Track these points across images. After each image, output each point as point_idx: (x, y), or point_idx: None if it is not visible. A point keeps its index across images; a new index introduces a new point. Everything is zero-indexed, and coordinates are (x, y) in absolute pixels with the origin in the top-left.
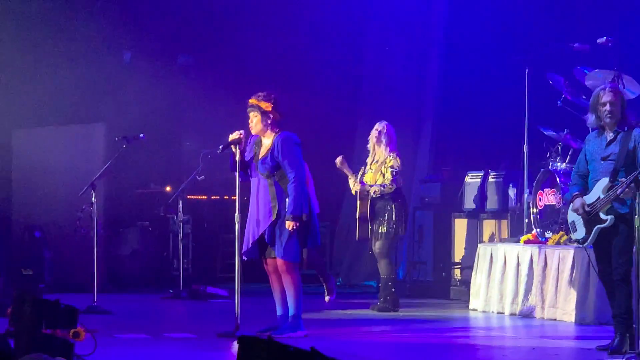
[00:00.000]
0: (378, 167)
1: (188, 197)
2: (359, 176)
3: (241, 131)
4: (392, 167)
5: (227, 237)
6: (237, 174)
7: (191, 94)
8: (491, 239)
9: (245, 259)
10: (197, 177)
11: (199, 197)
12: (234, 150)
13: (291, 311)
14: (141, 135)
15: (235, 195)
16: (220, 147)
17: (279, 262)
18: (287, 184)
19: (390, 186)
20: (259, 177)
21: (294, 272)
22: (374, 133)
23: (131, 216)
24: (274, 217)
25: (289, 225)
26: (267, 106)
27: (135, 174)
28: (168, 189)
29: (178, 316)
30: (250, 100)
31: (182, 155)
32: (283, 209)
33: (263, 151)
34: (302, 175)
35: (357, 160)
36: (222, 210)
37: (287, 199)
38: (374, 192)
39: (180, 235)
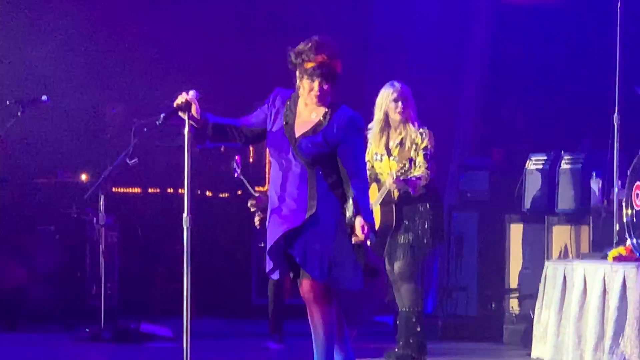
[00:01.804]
0: (406, 152)
1: (114, 189)
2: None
3: (191, 92)
4: (425, 148)
5: (171, 249)
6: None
7: (116, 38)
8: (565, 255)
9: (275, 277)
10: (127, 160)
11: (130, 189)
12: (183, 117)
13: None
14: (44, 97)
15: (183, 188)
16: (162, 115)
17: (308, 284)
18: (335, 182)
19: (427, 177)
20: (292, 160)
21: (327, 304)
22: (393, 106)
23: (28, 218)
24: (307, 214)
25: (360, 234)
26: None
27: (36, 155)
28: (84, 177)
29: None
30: (321, 58)
31: (105, 129)
32: (324, 211)
33: (306, 125)
34: (366, 175)
35: None
36: (163, 210)
37: (329, 204)
38: (416, 189)
39: (102, 246)
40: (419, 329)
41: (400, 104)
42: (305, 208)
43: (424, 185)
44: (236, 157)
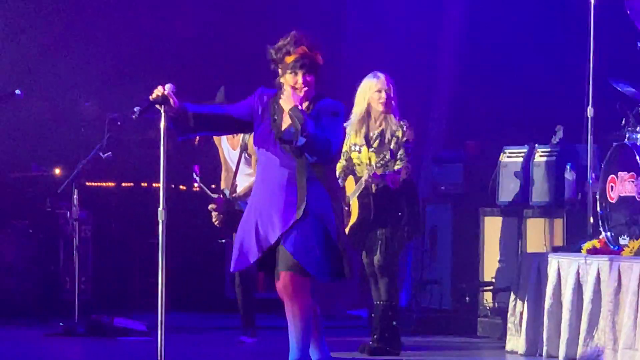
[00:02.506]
0: (386, 144)
1: (87, 183)
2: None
3: (167, 85)
4: (407, 142)
5: (145, 243)
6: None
7: (90, 32)
8: (539, 248)
9: (236, 270)
10: (101, 154)
11: (104, 183)
12: (160, 110)
13: (295, 355)
14: (17, 91)
15: (158, 182)
16: (137, 109)
17: (288, 277)
18: (323, 172)
19: (408, 171)
20: (279, 153)
21: (306, 298)
22: (376, 97)
23: (1, 212)
24: (298, 214)
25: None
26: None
27: (9, 149)
28: (57, 172)
29: None
30: (302, 50)
31: (79, 122)
32: (314, 211)
33: (289, 119)
34: (330, 149)
35: None
36: (138, 204)
37: (320, 196)
38: (396, 183)
39: (76, 240)
40: (394, 323)
41: (383, 94)
42: (295, 201)
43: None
44: (195, 167)
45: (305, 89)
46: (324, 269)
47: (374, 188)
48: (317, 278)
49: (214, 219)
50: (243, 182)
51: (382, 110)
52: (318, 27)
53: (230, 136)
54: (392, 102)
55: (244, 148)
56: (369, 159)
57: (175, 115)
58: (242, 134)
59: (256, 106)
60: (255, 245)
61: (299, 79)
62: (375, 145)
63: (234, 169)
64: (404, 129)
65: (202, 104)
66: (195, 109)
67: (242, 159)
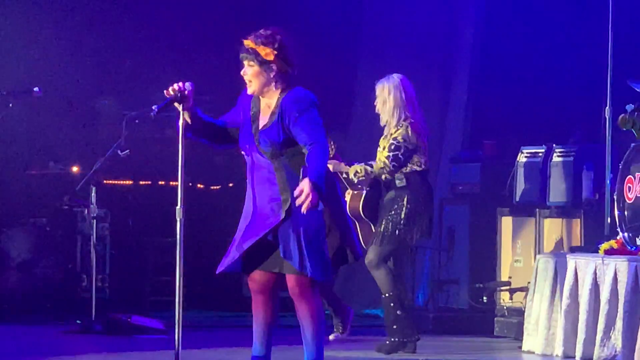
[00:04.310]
0: (385, 142)
1: (105, 181)
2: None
3: (186, 83)
4: (395, 139)
5: (162, 241)
6: (180, 143)
7: (108, 29)
8: (556, 248)
9: (223, 271)
10: (119, 152)
11: (122, 181)
12: (178, 109)
13: (311, 356)
14: (36, 89)
15: (176, 180)
16: (155, 107)
17: (293, 279)
18: (301, 163)
19: (384, 167)
20: (259, 156)
21: (315, 297)
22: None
23: (19, 210)
24: (283, 214)
25: (302, 195)
26: (267, 54)
27: (27, 146)
28: (75, 169)
29: None
30: (246, 42)
31: (97, 120)
32: (298, 210)
33: (264, 118)
34: (326, 143)
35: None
36: (156, 202)
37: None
38: (355, 175)
39: (93, 238)
40: (399, 312)
41: (378, 101)
42: (280, 203)
43: (404, 177)
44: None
45: (249, 80)
46: (318, 267)
47: (354, 176)
48: (317, 279)
49: None
50: None
51: (390, 109)
52: (335, 27)
53: None
54: (401, 102)
55: None
56: (378, 159)
57: (190, 116)
58: None
59: (240, 109)
60: (240, 248)
61: (244, 68)
62: (382, 144)
63: None
64: (398, 127)
65: (206, 114)
66: (203, 115)
67: None
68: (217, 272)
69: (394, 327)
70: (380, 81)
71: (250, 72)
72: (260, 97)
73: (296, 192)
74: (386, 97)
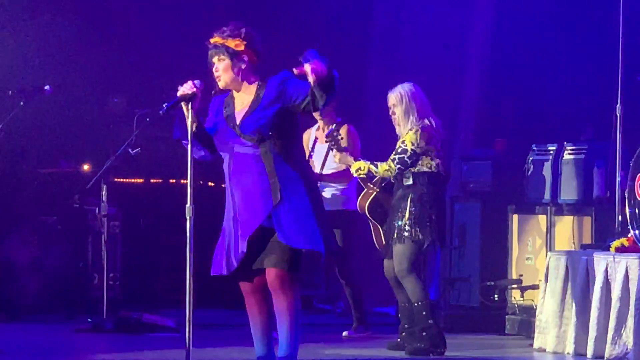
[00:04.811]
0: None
1: (116, 180)
2: None
3: (196, 81)
4: (403, 143)
5: (173, 239)
6: (188, 145)
7: (119, 27)
8: (567, 246)
9: (220, 274)
10: (130, 150)
11: (133, 180)
12: (185, 109)
13: (285, 351)
14: (46, 87)
15: (185, 178)
16: (165, 105)
17: (273, 273)
18: (287, 146)
19: (389, 170)
20: (241, 146)
21: (293, 292)
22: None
23: (30, 208)
24: (275, 200)
25: (307, 68)
26: (237, 44)
27: (38, 145)
28: (86, 167)
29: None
30: (212, 40)
31: (108, 118)
32: (290, 190)
33: (242, 111)
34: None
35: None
36: (166, 200)
37: (291, 175)
38: (357, 171)
39: (104, 236)
40: (430, 322)
41: (402, 104)
42: (269, 188)
43: (412, 176)
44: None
45: (219, 76)
46: (329, 240)
47: (355, 172)
48: (333, 249)
49: None
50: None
51: (402, 115)
52: (345, 30)
53: (321, 130)
54: (412, 108)
55: None
56: None
57: (193, 121)
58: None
59: (212, 117)
60: (234, 248)
61: (215, 64)
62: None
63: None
64: (407, 131)
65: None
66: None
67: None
68: (212, 274)
69: (423, 334)
70: (392, 91)
71: (221, 67)
72: (235, 94)
73: (296, 71)
74: (397, 105)
